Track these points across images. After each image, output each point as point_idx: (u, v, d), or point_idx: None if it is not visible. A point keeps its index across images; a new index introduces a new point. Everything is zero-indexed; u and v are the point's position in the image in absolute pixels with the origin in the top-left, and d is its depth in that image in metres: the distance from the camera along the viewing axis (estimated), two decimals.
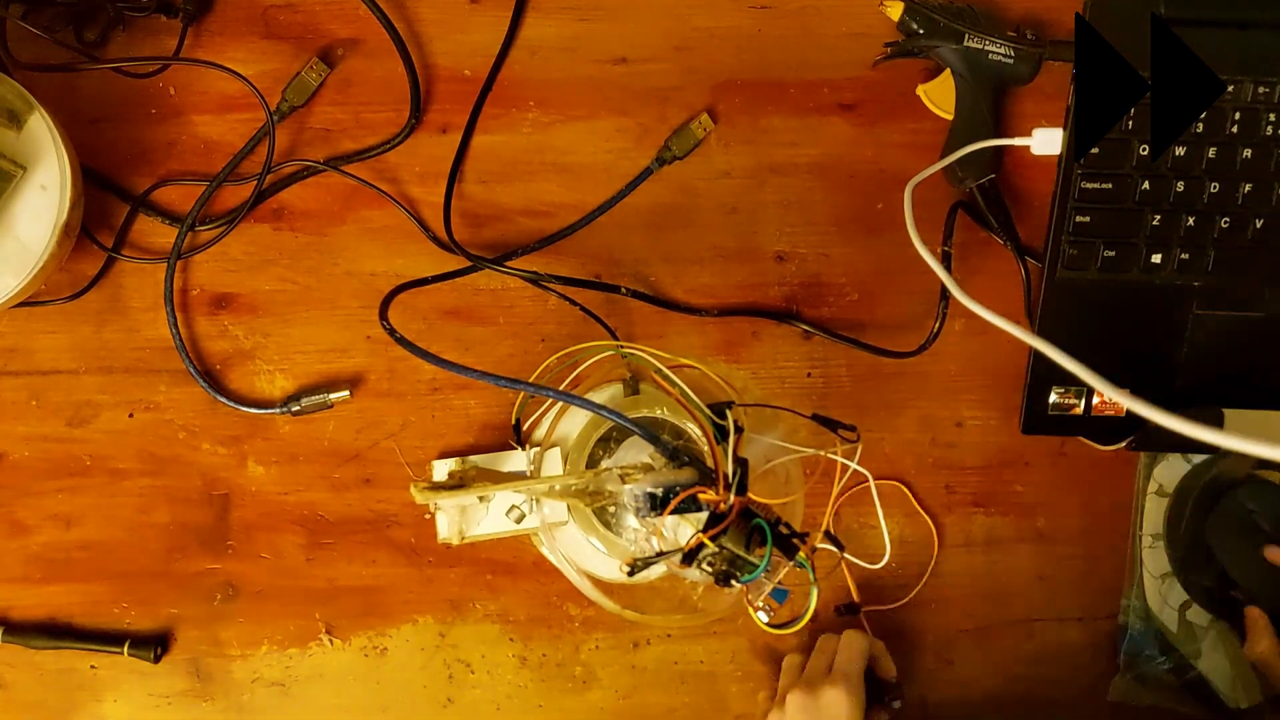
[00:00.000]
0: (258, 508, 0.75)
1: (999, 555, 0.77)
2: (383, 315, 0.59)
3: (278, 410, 0.74)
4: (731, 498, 0.55)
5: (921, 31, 0.73)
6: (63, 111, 0.69)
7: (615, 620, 0.76)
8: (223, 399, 0.74)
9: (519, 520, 0.70)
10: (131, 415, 0.75)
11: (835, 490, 0.69)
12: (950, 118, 0.75)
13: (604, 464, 0.68)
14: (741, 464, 0.56)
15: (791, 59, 0.76)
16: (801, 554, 0.56)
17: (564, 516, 0.69)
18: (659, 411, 0.68)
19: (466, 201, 0.75)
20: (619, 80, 0.75)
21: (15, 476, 0.74)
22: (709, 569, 0.56)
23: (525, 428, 0.74)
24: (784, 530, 0.56)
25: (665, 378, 0.61)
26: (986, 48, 0.73)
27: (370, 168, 0.75)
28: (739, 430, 0.58)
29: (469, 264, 0.73)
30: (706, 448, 0.57)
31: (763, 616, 0.57)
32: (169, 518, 0.75)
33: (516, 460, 0.73)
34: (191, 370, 0.73)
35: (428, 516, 0.74)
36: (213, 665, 0.75)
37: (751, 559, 0.55)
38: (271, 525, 0.75)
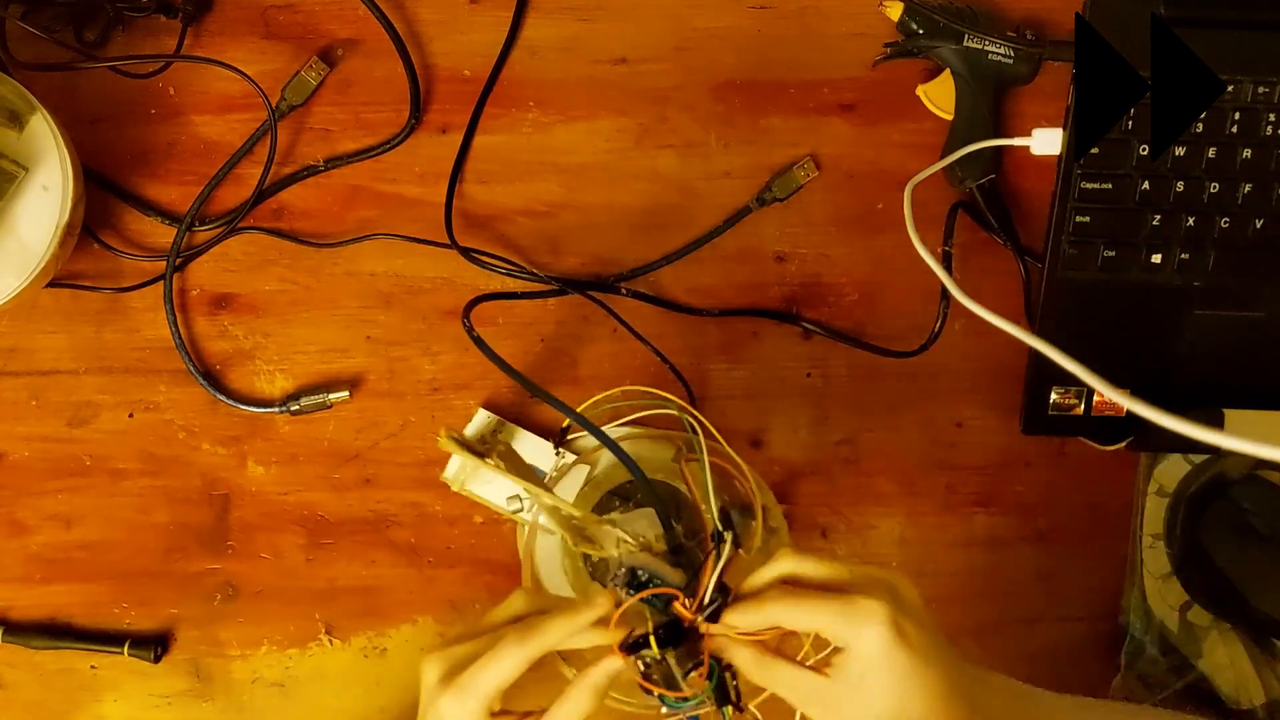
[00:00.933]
0: (258, 508, 0.75)
1: (1000, 555, 0.77)
2: (468, 325, 0.62)
3: (277, 410, 0.74)
4: (700, 621, 0.53)
5: (921, 32, 0.73)
6: (63, 112, 0.69)
7: None
8: (222, 397, 0.74)
9: (516, 511, 0.70)
10: (131, 415, 0.75)
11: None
12: (950, 118, 0.75)
13: (615, 515, 0.68)
14: (723, 590, 0.54)
15: (792, 59, 0.76)
16: (729, 711, 0.53)
17: (554, 530, 0.68)
18: (684, 487, 0.65)
19: (466, 201, 0.75)
20: (619, 80, 0.75)
21: (15, 476, 0.74)
22: (642, 668, 0.53)
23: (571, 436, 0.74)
24: (731, 682, 0.53)
25: (696, 459, 0.61)
26: (986, 48, 0.73)
27: (369, 168, 0.75)
28: (736, 543, 0.55)
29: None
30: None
31: None
32: (169, 518, 0.75)
33: (545, 454, 0.73)
34: (192, 370, 0.73)
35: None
36: (212, 665, 0.75)
37: (684, 687, 0.52)
38: (271, 525, 0.75)
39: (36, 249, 0.66)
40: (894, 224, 0.75)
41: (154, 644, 0.74)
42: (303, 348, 0.75)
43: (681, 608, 0.53)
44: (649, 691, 0.53)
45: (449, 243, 0.74)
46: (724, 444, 0.64)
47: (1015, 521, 0.78)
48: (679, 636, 0.53)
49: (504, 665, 0.52)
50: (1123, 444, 0.75)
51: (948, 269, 0.73)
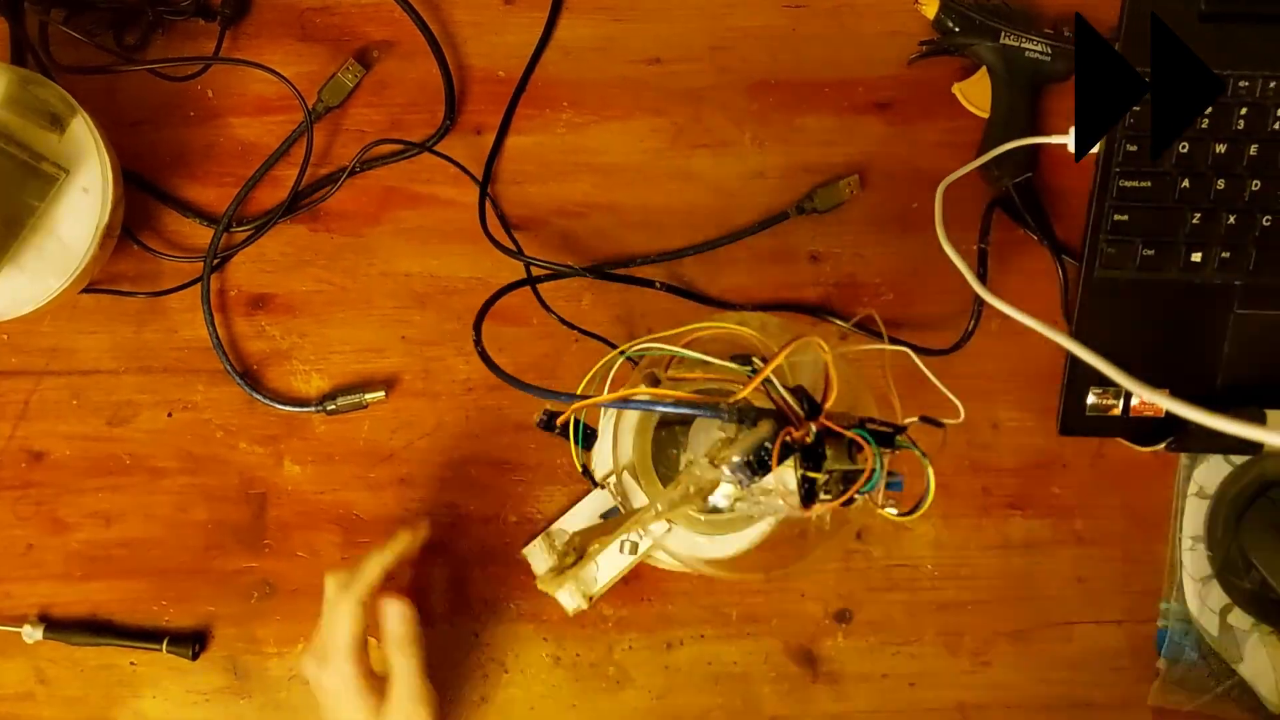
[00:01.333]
0: (294, 507, 0.76)
1: (1037, 557, 0.77)
2: (477, 339, 0.61)
3: (313, 409, 0.74)
4: (812, 426, 0.54)
5: (957, 29, 0.73)
6: (103, 114, 0.70)
7: (648, 621, 0.76)
8: (259, 396, 0.74)
9: (634, 550, 0.67)
10: (170, 415, 0.75)
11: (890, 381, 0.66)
12: (986, 116, 0.74)
13: (682, 459, 0.67)
14: (798, 391, 0.56)
15: (826, 58, 0.75)
16: (902, 438, 0.55)
17: (666, 525, 0.68)
18: (700, 385, 0.64)
19: (500, 202, 0.75)
20: (653, 80, 0.75)
21: (57, 475, 0.75)
22: (829, 497, 0.55)
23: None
24: (875, 426, 0.55)
25: (680, 359, 0.61)
26: (1023, 45, 0.72)
27: (405, 169, 0.75)
28: (762, 359, 0.57)
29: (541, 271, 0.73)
30: (761, 395, 0.56)
31: (893, 512, 0.56)
32: (207, 516, 0.75)
33: (596, 500, 0.72)
34: (229, 370, 0.74)
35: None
36: (250, 662, 0.76)
37: (861, 467, 0.54)
38: (307, 524, 0.76)
39: (77, 250, 0.67)
40: (930, 223, 0.74)
41: (192, 641, 0.75)
42: (338, 348, 0.75)
43: (795, 435, 0.54)
44: (852, 500, 0.54)
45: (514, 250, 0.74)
46: (679, 332, 0.62)
47: (1052, 524, 0.77)
48: (818, 450, 0.54)
49: (341, 622, 0.65)
50: (1162, 445, 0.74)
51: (983, 267, 0.72)
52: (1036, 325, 0.58)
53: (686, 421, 0.67)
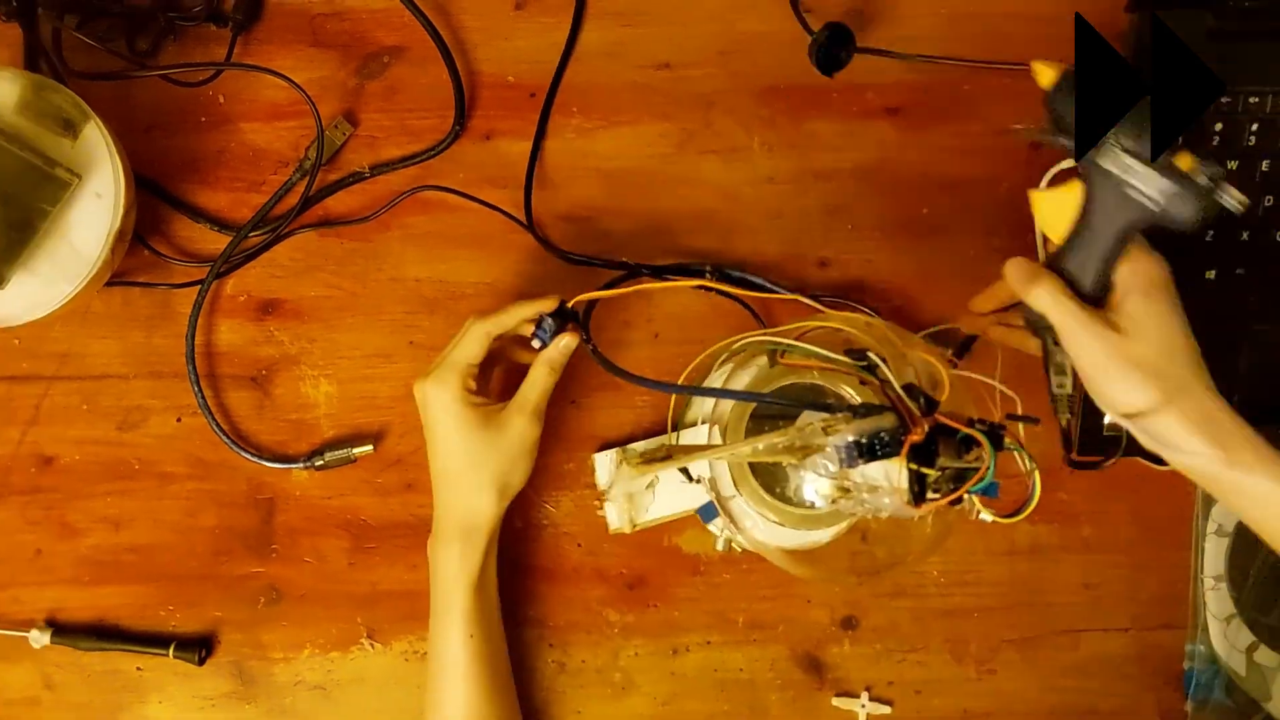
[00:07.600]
0: (301, 512, 0.76)
1: (1044, 564, 0.76)
2: (587, 339, 0.66)
3: (300, 465, 0.75)
4: (927, 420, 0.55)
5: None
6: (116, 120, 0.70)
7: (654, 627, 0.76)
8: (247, 455, 0.75)
9: (715, 520, 0.68)
10: (179, 420, 0.75)
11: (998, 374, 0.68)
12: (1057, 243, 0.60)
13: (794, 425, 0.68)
14: (910, 389, 0.56)
15: None
16: (1009, 439, 0.55)
17: (732, 492, 0.68)
18: (811, 376, 0.67)
19: (509, 208, 0.75)
20: (663, 85, 0.75)
21: (66, 479, 0.75)
22: (937, 495, 0.55)
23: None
24: (982, 426, 0.55)
25: (811, 355, 0.62)
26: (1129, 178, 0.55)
27: (414, 174, 0.75)
28: (882, 360, 0.58)
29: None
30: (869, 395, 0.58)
31: (986, 517, 0.57)
32: (215, 521, 0.76)
33: (694, 436, 0.73)
34: (195, 384, 0.74)
35: (598, 511, 0.75)
36: (255, 668, 0.76)
37: (973, 465, 0.54)
38: (315, 530, 0.76)
39: (89, 255, 0.67)
40: (939, 228, 0.74)
41: (199, 646, 0.75)
42: (347, 353, 0.76)
43: (915, 435, 0.55)
44: (958, 500, 0.55)
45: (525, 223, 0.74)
46: (800, 326, 0.64)
47: (1059, 530, 0.77)
48: (932, 447, 0.54)
49: (469, 343, 0.67)
50: None
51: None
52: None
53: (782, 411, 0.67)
